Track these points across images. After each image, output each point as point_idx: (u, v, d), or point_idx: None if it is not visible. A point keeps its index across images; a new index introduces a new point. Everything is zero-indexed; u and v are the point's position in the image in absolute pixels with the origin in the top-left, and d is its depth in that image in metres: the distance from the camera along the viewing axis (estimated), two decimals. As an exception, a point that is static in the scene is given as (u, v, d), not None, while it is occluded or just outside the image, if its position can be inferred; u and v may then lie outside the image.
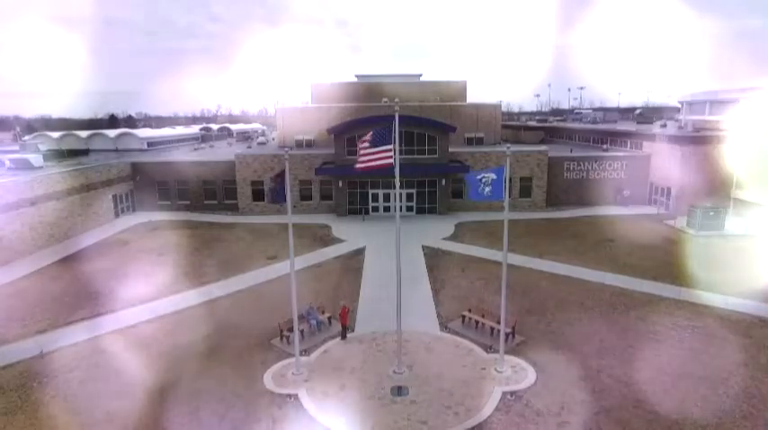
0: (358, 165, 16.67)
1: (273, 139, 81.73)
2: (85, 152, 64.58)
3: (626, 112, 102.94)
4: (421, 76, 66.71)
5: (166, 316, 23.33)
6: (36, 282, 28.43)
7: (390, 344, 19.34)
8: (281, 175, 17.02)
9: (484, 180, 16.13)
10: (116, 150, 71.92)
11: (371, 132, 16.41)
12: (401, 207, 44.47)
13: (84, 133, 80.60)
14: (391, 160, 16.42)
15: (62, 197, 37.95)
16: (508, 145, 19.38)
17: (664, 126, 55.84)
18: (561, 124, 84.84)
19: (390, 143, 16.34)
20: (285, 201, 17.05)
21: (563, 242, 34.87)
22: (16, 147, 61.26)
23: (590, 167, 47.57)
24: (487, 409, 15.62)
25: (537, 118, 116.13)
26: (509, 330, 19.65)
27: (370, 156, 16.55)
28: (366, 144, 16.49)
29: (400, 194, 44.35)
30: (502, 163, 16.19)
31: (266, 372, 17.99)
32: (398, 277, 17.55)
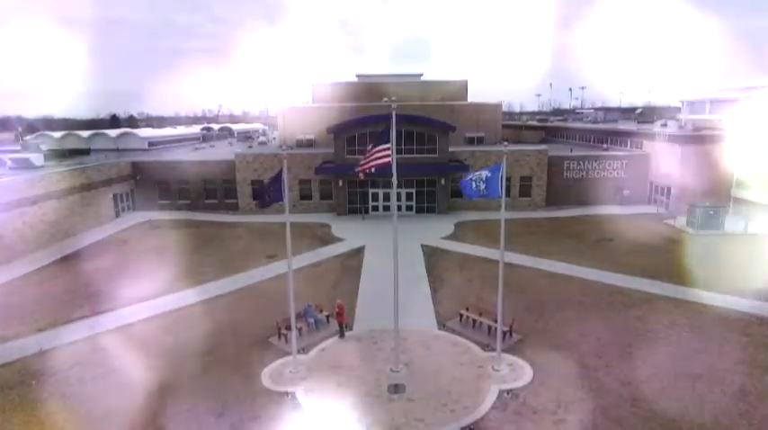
0: (358, 169, 16.74)
1: (274, 139, 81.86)
2: (87, 152, 64.72)
3: (627, 112, 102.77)
4: (422, 75, 66.67)
5: (166, 314, 23.40)
6: (36, 280, 28.53)
7: (388, 342, 19.34)
8: (276, 178, 17.02)
9: (480, 177, 16.18)
10: (117, 150, 72.09)
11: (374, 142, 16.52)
12: (400, 206, 44.52)
13: (85, 133, 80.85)
14: (389, 159, 16.46)
15: (63, 196, 38.07)
16: (505, 142, 19.40)
17: (664, 125, 55.73)
18: (562, 124, 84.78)
19: (388, 142, 16.39)
20: (282, 200, 17.09)
21: (562, 241, 34.88)
22: (18, 147, 61.43)
23: (590, 167, 47.54)
24: (484, 407, 15.65)
25: (538, 117, 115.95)
26: (506, 329, 19.67)
27: (369, 156, 16.63)
28: (370, 147, 16.63)
29: (399, 194, 44.42)
30: (502, 162, 16.28)
31: (264, 370, 18.04)
32: (396, 275, 17.55)
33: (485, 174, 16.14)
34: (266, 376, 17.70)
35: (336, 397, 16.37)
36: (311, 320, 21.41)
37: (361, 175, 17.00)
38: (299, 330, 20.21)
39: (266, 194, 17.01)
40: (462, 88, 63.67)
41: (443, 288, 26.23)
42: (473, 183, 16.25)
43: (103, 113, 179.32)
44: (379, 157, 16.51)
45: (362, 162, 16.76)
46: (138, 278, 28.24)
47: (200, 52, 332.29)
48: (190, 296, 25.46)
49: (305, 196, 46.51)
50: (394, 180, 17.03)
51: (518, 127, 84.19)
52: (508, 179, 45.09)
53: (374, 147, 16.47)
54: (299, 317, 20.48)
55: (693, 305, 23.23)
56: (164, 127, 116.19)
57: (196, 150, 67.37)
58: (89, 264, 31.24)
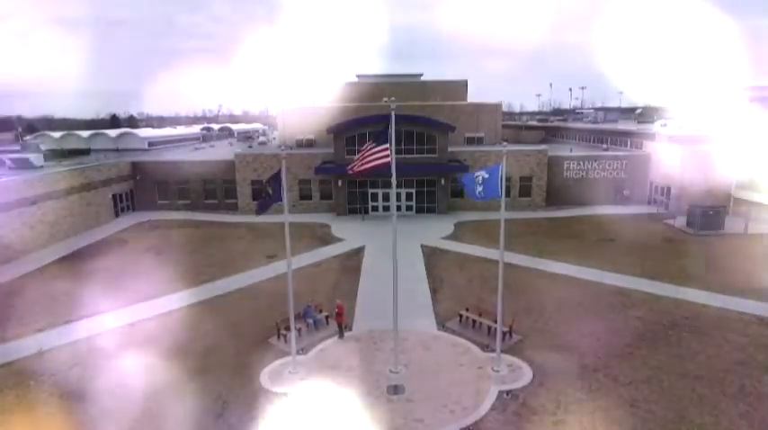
0: (356, 168, 16.69)
1: (274, 139, 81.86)
2: (86, 152, 64.72)
3: (627, 112, 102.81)
4: (422, 75, 66.66)
5: (165, 314, 23.38)
6: (35, 280, 28.52)
7: (388, 342, 19.29)
8: (275, 179, 16.98)
9: (477, 179, 16.15)
10: (117, 150, 72.10)
11: (374, 142, 16.49)
12: (400, 206, 44.53)
13: (85, 133, 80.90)
14: (388, 159, 16.44)
15: (62, 196, 38.05)
16: (504, 143, 19.35)
17: (664, 125, 55.71)
18: (562, 124, 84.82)
19: (387, 142, 16.37)
20: (281, 200, 17.06)
21: (562, 241, 34.84)
22: (18, 147, 61.43)
23: (590, 167, 47.51)
24: (484, 408, 15.62)
25: (538, 117, 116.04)
26: (506, 329, 19.64)
27: (368, 156, 16.60)
28: (366, 146, 16.59)
29: (398, 194, 44.41)
30: (501, 162, 16.33)
31: (263, 371, 18.02)
32: (395, 276, 17.52)
33: (482, 176, 16.12)
34: (265, 376, 17.67)
35: (335, 397, 16.34)
36: (310, 321, 21.38)
37: (351, 173, 16.89)
38: (299, 331, 20.19)
39: (265, 197, 16.96)
40: (462, 88, 63.63)
41: (443, 288, 26.20)
42: (475, 185, 16.23)
43: (103, 113, 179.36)
44: (378, 158, 16.48)
45: (357, 161, 16.68)
46: (137, 278, 28.21)
47: (200, 52, 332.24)
48: (189, 296, 25.44)
49: (305, 196, 46.51)
50: (393, 180, 17.01)
51: (518, 127, 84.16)
52: (508, 179, 44.84)
53: (371, 144, 16.42)
54: (298, 317, 20.44)
55: (693, 305, 23.19)
56: (164, 127, 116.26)
57: (196, 150, 67.36)
58: (88, 265, 31.22)
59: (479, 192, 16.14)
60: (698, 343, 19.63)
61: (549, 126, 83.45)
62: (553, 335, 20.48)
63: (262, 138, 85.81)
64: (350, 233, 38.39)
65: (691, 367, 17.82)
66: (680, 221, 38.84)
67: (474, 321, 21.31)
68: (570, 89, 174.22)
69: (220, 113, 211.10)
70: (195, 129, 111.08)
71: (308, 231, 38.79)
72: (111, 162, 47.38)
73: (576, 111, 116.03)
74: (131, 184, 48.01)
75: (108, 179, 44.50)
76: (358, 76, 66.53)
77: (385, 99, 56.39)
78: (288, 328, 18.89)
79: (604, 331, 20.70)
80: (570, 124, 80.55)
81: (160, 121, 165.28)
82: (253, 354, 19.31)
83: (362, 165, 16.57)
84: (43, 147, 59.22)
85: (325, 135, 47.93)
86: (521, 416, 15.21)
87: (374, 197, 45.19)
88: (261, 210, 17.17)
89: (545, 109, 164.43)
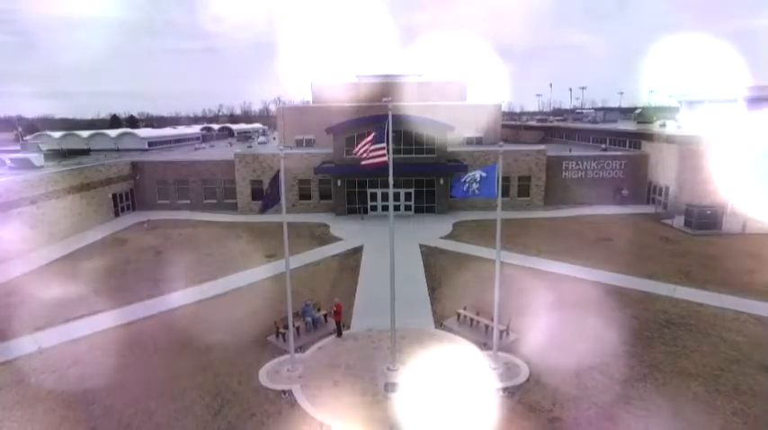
0: (363, 163, 16.87)
1: (274, 139, 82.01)
2: (86, 152, 64.86)
3: (627, 112, 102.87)
4: (421, 75, 66.75)
5: (164, 313, 23.50)
6: (35, 279, 28.62)
7: (386, 341, 19.41)
8: (275, 179, 17.13)
9: (471, 179, 16.26)
10: (117, 150, 72.25)
11: (374, 133, 16.67)
12: (399, 206, 44.63)
13: (85, 133, 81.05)
14: (386, 158, 16.58)
15: (62, 196, 38.18)
16: (501, 143, 19.47)
17: (663, 126, 55.82)
18: (561, 124, 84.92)
19: (384, 141, 16.53)
20: (279, 201, 17.18)
21: (560, 241, 34.93)
22: (18, 147, 61.59)
23: (588, 167, 47.63)
24: (481, 406, 15.73)
25: (537, 118, 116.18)
26: (503, 328, 19.76)
27: (369, 153, 16.77)
28: (366, 141, 16.77)
29: (397, 194, 44.50)
30: (497, 162, 16.47)
31: (261, 369, 18.14)
32: (392, 274, 17.64)
33: (479, 174, 16.22)
34: (264, 374, 17.80)
35: (333, 395, 16.46)
36: (309, 319, 21.49)
37: (356, 156, 17.00)
38: (297, 329, 20.31)
39: (267, 198, 17.15)
40: (462, 89, 63.74)
41: (441, 287, 26.31)
42: (465, 185, 16.35)
43: (104, 113, 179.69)
44: (377, 156, 16.64)
45: (360, 150, 16.84)
46: (136, 277, 28.35)
47: (200, 52, 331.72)
48: (188, 295, 25.56)
49: (304, 196, 46.61)
50: (390, 180, 17.14)
51: (517, 127, 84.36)
52: (507, 179, 45.30)
53: (372, 138, 16.58)
54: (296, 316, 20.55)
55: (690, 304, 23.32)
56: (164, 127, 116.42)
57: (196, 150, 67.53)
58: (88, 264, 31.34)
59: (475, 190, 16.20)
60: (694, 341, 19.75)
61: (549, 126, 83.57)
62: (550, 334, 20.55)
63: (262, 139, 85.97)
64: (349, 233, 38.50)
65: (686, 365, 17.94)
66: (678, 221, 38.93)
67: (472, 320, 21.43)
68: (570, 89, 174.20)
69: (220, 113, 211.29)
70: (195, 129, 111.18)
71: (307, 231, 38.89)
72: (111, 162, 47.52)
73: (576, 111, 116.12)
74: (131, 184, 48.14)
75: (108, 179, 44.63)
76: (358, 76, 66.61)
77: (385, 99, 56.57)
78: (286, 327, 19.00)
79: (601, 329, 20.79)
80: (570, 124, 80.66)
81: (160, 121, 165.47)
82: (251, 352, 19.44)
83: (366, 160, 16.73)
84: (43, 147, 59.49)
85: (325, 135, 48.01)
86: (517, 414, 15.32)
87: (373, 197, 45.28)
88: (264, 208, 17.41)
89: (545, 109, 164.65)
